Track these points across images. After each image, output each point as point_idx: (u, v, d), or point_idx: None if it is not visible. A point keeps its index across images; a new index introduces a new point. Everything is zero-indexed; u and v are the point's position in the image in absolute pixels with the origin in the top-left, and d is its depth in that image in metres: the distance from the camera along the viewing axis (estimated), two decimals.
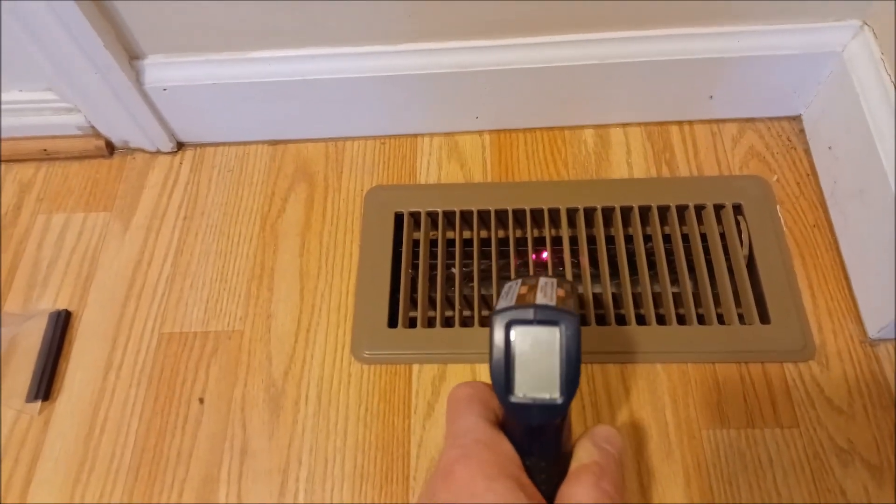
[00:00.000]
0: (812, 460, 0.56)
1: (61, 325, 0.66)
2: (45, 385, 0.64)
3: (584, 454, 0.30)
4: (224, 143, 0.78)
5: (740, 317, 0.63)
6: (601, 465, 0.29)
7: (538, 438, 0.30)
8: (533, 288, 0.31)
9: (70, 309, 0.68)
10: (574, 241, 0.69)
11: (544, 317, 0.29)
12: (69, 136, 0.77)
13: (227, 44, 0.67)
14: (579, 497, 0.28)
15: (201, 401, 0.63)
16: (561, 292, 0.31)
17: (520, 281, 0.33)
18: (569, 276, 0.65)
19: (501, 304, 0.31)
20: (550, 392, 0.29)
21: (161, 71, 0.69)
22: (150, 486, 0.59)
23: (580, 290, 0.65)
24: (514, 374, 0.29)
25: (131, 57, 0.69)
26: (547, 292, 0.31)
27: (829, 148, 0.65)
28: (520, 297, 0.31)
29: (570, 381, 0.29)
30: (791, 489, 0.55)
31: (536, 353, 0.29)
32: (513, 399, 0.29)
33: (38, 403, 0.63)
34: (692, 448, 0.57)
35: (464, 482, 0.28)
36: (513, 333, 0.29)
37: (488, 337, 0.30)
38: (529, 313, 0.29)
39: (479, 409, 0.31)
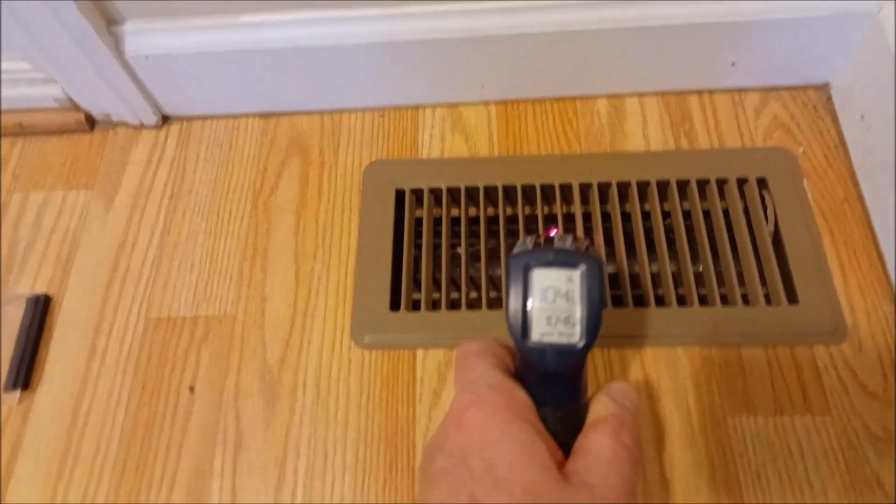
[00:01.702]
0: (846, 450, 0.52)
1: (40, 310, 0.62)
2: (24, 374, 0.59)
3: (601, 407, 0.30)
4: (212, 117, 0.73)
5: (766, 297, 0.59)
6: (619, 417, 0.29)
7: (554, 386, 0.29)
8: (549, 238, 0.30)
9: (49, 293, 0.64)
10: (587, 218, 0.65)
11: (564, 259, 0.28)
12: (46, 109, 0.72)
13: (214, 7, 0.62)
14: (598, 447, 0.27)
15: (192, 390, 0.59)
16: (579, 243, 0.30)
17: (535, 235, 0.31)
18: None
19: (518, 249, 0.29)
20: (570, 336, 0.28)
21: (142, 38, 0.64)
22: (137, 480, 0.55)
23: None
24: (532, 318, 0.28)
25: (109, 22, 0.63)
26: (566, 241, 0.29)
27: (862, 117, 0.61)
28: (537, 244, 0.29)
29: (592, 326, 0.28)
30: (824, 480, 0.51)
31: (556, 296, 0.28)
32: (530, 343, 0.28)
33: (17, 393, 0.59)
34: (717, 437, 0.53)
35: (477, 425, 0.27)
36: (531, 276, 0.28)
37: (503, 281, 0.29)
38: (549, 256, 0.28)
39: (491, 359, 0.31)
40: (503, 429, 0.27)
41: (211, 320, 0.62)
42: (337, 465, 0.55)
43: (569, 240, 0.30)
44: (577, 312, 0.28)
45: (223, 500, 0.54)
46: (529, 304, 0.28)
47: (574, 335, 0.28)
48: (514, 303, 0.29)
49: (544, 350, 0.28)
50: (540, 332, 0.28)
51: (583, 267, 0.28)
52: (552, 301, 0.28)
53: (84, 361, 0.61)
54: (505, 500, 0.26)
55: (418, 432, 0.56)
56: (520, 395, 0.29)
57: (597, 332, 0.28)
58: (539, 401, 0.29)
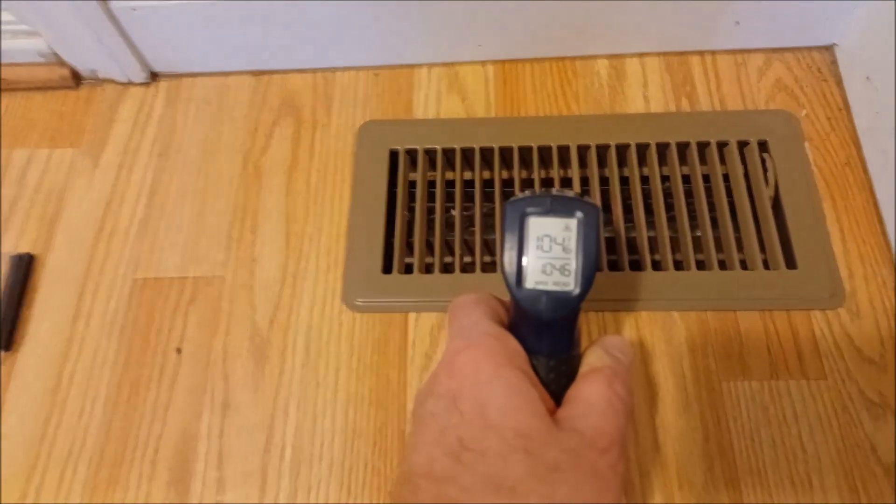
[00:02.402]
0: (840, 414, 0.52)
1: (24, 269, 0.61)
2: (7, 334, 0.58)
3: (595, 359, 0.29)
4: (202, 74, 0.71)
5: (765, 262, 0.58)
6: (614, 368, 0.28)
7: (548, 335, 0.29)
8: (544, 184, 0.29)
9: (34, 252, 0.62)
10: (585, 181, 0.63)
11: (561, 207, 0.28)
12: (30, 63, 0.70)
13: None
14: (591, 396, 0.27)
15: (179, 351, 0.58)
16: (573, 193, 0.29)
17: (532, 189, 0.31)
18: None
19: (514, 197, 0.29)
20: (565, 284, 0.28)
21: None
22: (122, 442, 0.54)
23: None
24: (527, 265, 0.28)
25: None
26: (564, 192, 0.29)
27: (868, 78, 0.60)
28: (533, 193, 0.29)
29: (587, 273, 0.28)
30: (817, 444, 0.51)
31: (552, 244, 0.28)
32: (524, 290, 0.28)
33: (0, 353, 0.58)
34: (711, 401, 0.53)
35: (469, 370, 0.27)
36: (527, 223, 0.28)
37: (502, 227, 0.28)
38: (546, 203, 0.28)
39: (484, 309, 0.30)
40: (495, 372, 0.27)
41: (199, 281, 0.61)
42: (326, 428, 0.54)
43: (566, 192, 0.29)
44: (573, 261, 0.28)
45: (210, 462, 0.53)
46: (525, 251, 0.28)
47: (569, 283, 0.28)
48: (509, 250, 0.28)
49: (539, 297, 0.28)
50: (535, 280, 0.28)
51: (579, 215, 0.28)
52: (548, 249, 0.28)
53: (69, 322, 0.59)
54: (495, 441, 0.25)
55: (409, 395, 0.55)
56: (512, 343, 0.29)
57: (592, 281, 0.28)
58: (532, 350, 0.29)
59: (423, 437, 0.26)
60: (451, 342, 0.29)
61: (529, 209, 0.28)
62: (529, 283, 0.28)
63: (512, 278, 0.28)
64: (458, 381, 0.27)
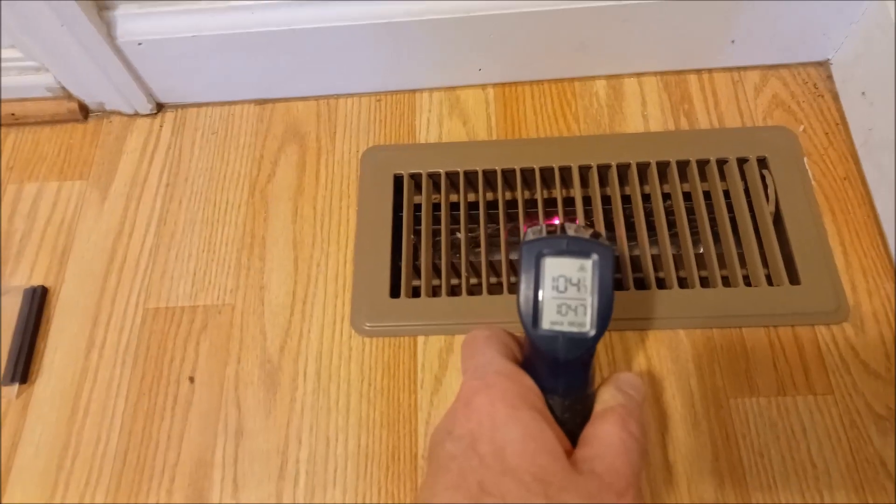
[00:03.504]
0: (849, 429, 0.52)
1: (37, 302, 0.62)
2: (23, 366, 0.59)
3: (608, 397, 0.30)
4: (207, 104, 0.72)
5: (768, 278, 0.59)
6: (627, 407, 0.29)
7: (563, 374, 0.29)
8: (561, 227, 0.30)
9: (46, 285, 0.63)
10: (587, 201, 0.64)
11: (577, 248, 0.28)
12: (39, 98, 0.71)
13: None
14: (607, 436, 0.28)
15: (191, 380, 0.58)
16: (590, 232, 0.30)
17: (545, 226, 0.31)
18: None
19: (531, 236, 0.30)
20: (580, 325, 0.28)
21: (134, 22, 0.63)
22: (138, 471, 0.55)
23: None
24: (543, 306, 0.28)
25: (100, 7, 0.62)
26: (577, 230, 0.30)
27: (863, 94, 0.60)
28: (549, 232, 0.29)
29: (603, 314, 0.28)
30: (827, 460, 0.51)
31: (567, 285, 0.28)
32: (540, 331, 0.28)
33: (16, 386, 0.59)
34: (720, 418, 0.53)
35: (485, 411, 0.27)
36: (544, 264, 0.28)
37: (518, 268, 0.29)
38: (562, 244, 0.28)
39: (497, 346, 0.31)
40: (511, 414, 0.27)
41: (210, 310, 0.61)
42: (339, 453, 0.55)
43: (581, 228, 0.30)
44: (589, 301, 0.28)
45: (225, 489, 0.54)
46: (541, 292, 0.28)
47: (585, 324, 0.28)
48: (525, 290, 0.28)
49: (555, 338, 0.28)
50: (550, 321, 0.28)
51: (595, 256, 0.28)
52: (564, 290, 0.28)
53: (82, 353, 0.60)
54: (514, 486, 0.25)
55: (420, 419, 0.56)
56: (528, 381, 0.29)
57: (608, 322, 0.28)
58: (547, 389, 0.29)
59: (443, 480, 0.27)
60: (466, 381, 0.29)
61: (546, 249, 0.29)
62: (545, 324, 0.28)
63: (528, 318, 0.28)
64: (475, 423, 0.27)
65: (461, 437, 0.27)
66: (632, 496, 0.26)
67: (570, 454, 0.27)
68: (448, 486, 0.26)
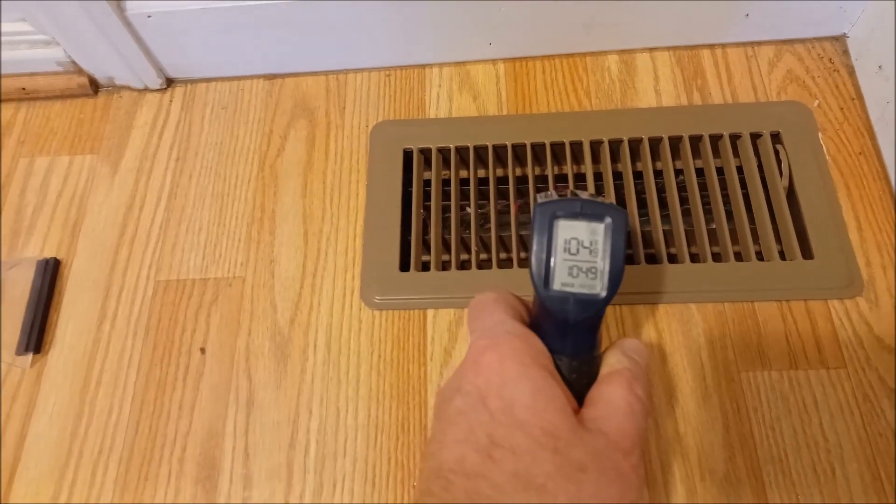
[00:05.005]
0: (861, 403, 0.52)
1: (50, 273, 0.62)
2: (36, 337, 0.60)
3: (614, 361, 0.30)
4: (217, 79, 0.72)
5: (781, 253, 0.58)
6: (633, 371, 0.29)
7: (572, 336, 0.29)
8: (573, 192, 0.30)
9: (59, 257, 0.64)
10: (599, 176, 0.64)
11: (591, 210, 0.28)
12: (49, 72, 0.71)
13: None
14: (614, 398, 0.28)
15: (202, 351, 0.59)
16: (602, 198, 0.30)
17: (555, 191, 0.31)
18: None
19: (543, 199, 0.29)
20: (591, 287, 0.28)
21: None
22: (151, 440, 0.55)
23: None
24: (555, 267, 0.28)
25: None
26: (594, 197, 0.29)
27: (880, 67, 0.60)
28: (562, 195, 0.29)
29: (614, 277, 0.28)
30: (839, 434, 0.51)
31: (580, 247, 0.28)
32: (552, 292, 0.28)
33: (30, 356, 0.59)
34: (731, 392, 0.53)
35: (495, 368, 0.27)
36: (556, 226, 0.29)
37: (531, 229, 0.29)
38: (576, 206, 0.28)
39: (505, 308, 0.31)
40: (521, 371, 0.27)
41: (220, 282, 0.62)
42: (349, 423, 0.55)
43: (596, 197, 0.30)
44: (600, 265, 0.28)
45: (237, 458, 0.54)
46: (553, 253, 0.29)
47: (595, 286, 0.28)
48: (537, 252, 0.29)
49: (566, 299, 0.28)
50: (561, 282, 0.28)
51: (608, 220, 0.28)
52: (576, 252, 0.28)
53: (95, 324, 0.61)
54: (523, 439, 0.25)
55: (430, 390, 0.56)
56: (536, 342, 0.29)
57: (618, 285, 0.28)
58: (555, 350, 0.29)
59: (452, 433, 0.27)
60: (474, 341, 0.29)
61: (559, 212, 0.29)
62: (556, 285, 0.28)
63: (539, 279, 0.29)
64: (484, 380, 0.27)
65: (470, 393, 0.27)
66: (637, 456, 0.27)
67: (576, 413, 0.28)
68: (457, 440, 0.26)
